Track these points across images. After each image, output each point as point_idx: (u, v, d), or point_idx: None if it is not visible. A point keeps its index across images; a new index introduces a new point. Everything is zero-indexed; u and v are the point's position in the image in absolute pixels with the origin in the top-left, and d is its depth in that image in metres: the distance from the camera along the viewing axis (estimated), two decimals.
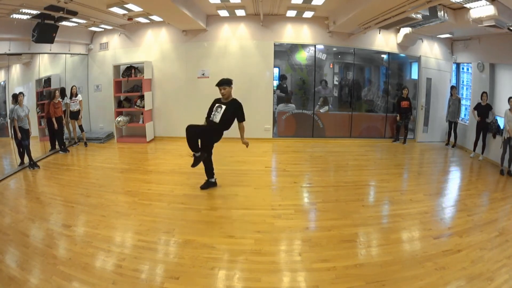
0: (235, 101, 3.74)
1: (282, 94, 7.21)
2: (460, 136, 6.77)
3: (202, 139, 3.69)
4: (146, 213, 3.45)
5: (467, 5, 4.20)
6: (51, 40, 5.38)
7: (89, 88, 7.35)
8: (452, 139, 6.84)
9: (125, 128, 7.05)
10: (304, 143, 6.77)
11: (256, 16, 6.58)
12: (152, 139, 7.09)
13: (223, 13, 6.31)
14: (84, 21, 5.91)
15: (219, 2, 5.54)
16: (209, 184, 4.04)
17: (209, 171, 4.03)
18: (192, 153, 3.71)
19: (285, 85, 7.27)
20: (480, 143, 5.89)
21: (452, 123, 6.76)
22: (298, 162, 5.43)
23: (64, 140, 6.24)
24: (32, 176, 4.84)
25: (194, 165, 3.74)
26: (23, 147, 5.06)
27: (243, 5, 5.81)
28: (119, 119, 6.75)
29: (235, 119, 3.75)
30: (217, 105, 3.76)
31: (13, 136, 4.98)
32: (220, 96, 3.79)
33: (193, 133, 3.63)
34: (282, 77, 7.24)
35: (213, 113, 3.74)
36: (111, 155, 6.09)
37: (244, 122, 3.76)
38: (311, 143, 6.81)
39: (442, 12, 4.69)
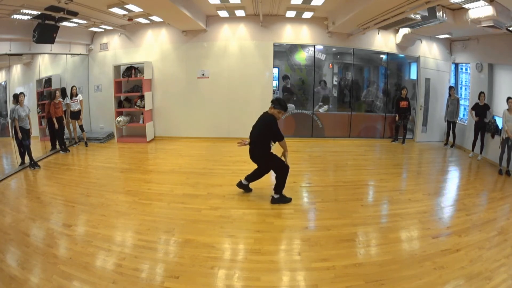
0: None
1: (289, 95, 7.23)
2: (459, 136, 6.79)
3: None
4: (146, 212, 3.46)
5: (466, 6, 4.22)
6: (51, 41, 5.39)
7: (89, 88, 7.37)
8: (450, 139, 6.86)
9: (125, 128, 7.07)
10: (304, 143, 6.78)
11: (256, 16, 6.59)
12: (152, 139, 7.10)
13: (223, 13, 6.32)
14: (85, 22, 5.92)
15: (219, 2, 5.55)
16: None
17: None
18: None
19: (288, 85, 7.29)
20: (478, 143, 5.91)
21: (451, 123, 6.78)
22: (298, 162, 5.44)
23: (65, 140, 6.26)
24: (33, 176, 4.86)
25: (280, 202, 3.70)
26: (23, 147, 5.07)
27: (242, 5, 5.83)
28: (119, 119, 6.76)
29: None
30: None
31: (14, 136, 5.00)
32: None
33: None
34: (284, 77, 7.26)
35: None
36: (112, 155, 6.11)
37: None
38: (311, 143, 6.83)
39: (441, 12, 4.71)
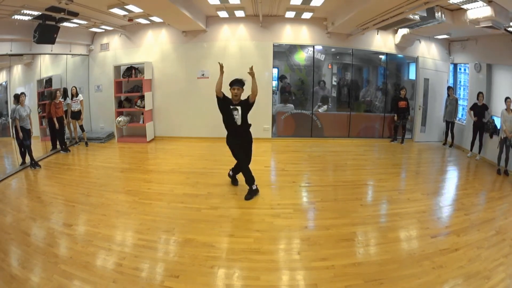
0: (245, 101, 3.74)
1: (286, 94, 7.27)
2: (457, 136, 6.81)
3: (249, 153, 3.90)
4: (146, 212, 3.48)
5: (464, 6, 4.24)
6: (52, 41, 5.41)
7: (90, 88, 7.38)
8: (449, 139, 6.89)
9: (125, 128, 7.09)
10: (303, 143, 6.80)
11: (255, 17, 6.61)
12: (152, 139, 7.12)
13: (223, 14, 6.34)
14: (85, 22, 5.94)
15: (219, 3, 5.57)
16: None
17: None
18: (255, 184, 3.82)
19: (285, 86, 7.32)
20: (477, 142, 5.93)
21: (449, 123, 6.81)
22: (297, 162, 5.46)
23: (65, 140, 6.27)
24: (34, 176, 4.87)
25: (250, 197, 3.77)
26: (24, 146, 5.09)
27: (242, 6, 5.84)
28: (119, 119, 6.78)
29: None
30: (231, 107, 3.71)
31: (15, 136, 5.01)
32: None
33: (246, 159, 3.80)
34: (281, 78, 7.28)
35: (234, 117, 3.72)
36: (112, 154, 6.12)
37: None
38: (310, 142, 6.84)
39: (440, 13, 4.73)
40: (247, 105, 3.74)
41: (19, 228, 3.14)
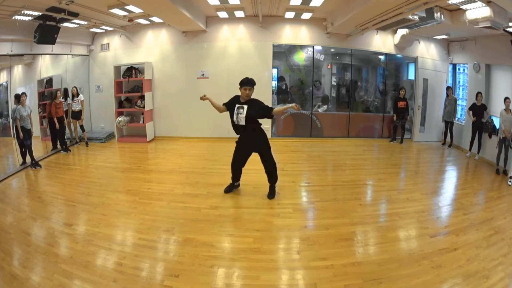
0: (255, 100, 3.49)
1: (285, 96, 7.30)
2: (456, 136, 6.83)
3: (266, 159, 3.66)
4: (147, 211, 3.48)
5: (463, 7, 4.25)
6: (52, 41, 5.42)
7: (90, 88, 7.39)
8: (448, 139, 6.90)
9: (125, 128, 7.10)
10: (302, 143, 6.81)
11: (255, 17, 6.62)
12: (153, 139, 7.13)
13: (223, 14, 6.35)
14: (85, 22, 5.95)
15: (218, 3, 5.58)
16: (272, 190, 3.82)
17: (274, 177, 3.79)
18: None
19: (284, 86, 7.34)
20: (476, 142, 5.95)
21: (448, 123, 6.82)
22: (297, 162, 5.47)
23: (66, 140, 6.28)
24: (34, 175, 4.87)
25: (227, 190, 3.93)
26: (25, 146, 5.10)
27: (242, 6, 5.86)
28: (119, 119, 6.79)
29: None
30: (237, 106, 3.46)
31: (15, 136, 5.02)
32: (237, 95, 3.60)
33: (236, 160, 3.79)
34: (280, 79, 7.30)
35: (235, 117, 3.46)
36: (112, 154, 6.13)
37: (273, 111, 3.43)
38: (309, 142, 6.85)
39: (439, 13, 4.74)
40: (258, 107, 3.43)
41: (19, 227, 3.14)
